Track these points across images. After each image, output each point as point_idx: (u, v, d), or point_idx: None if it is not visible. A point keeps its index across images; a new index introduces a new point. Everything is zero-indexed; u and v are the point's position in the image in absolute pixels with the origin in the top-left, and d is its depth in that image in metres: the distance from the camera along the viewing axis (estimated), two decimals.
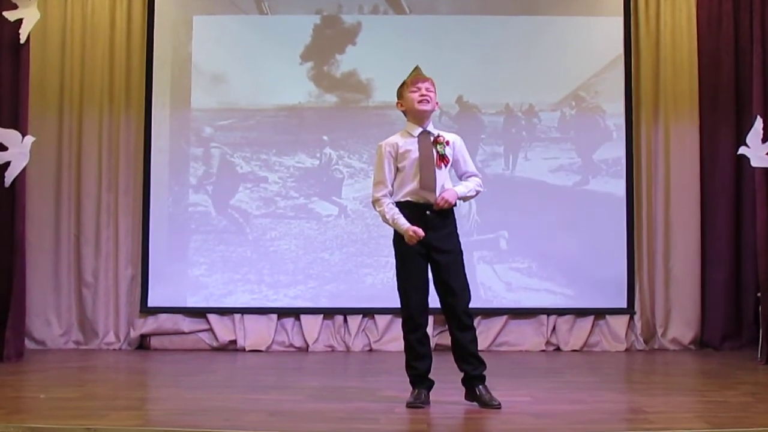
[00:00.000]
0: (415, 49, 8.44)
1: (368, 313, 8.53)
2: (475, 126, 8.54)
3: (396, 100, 5.44)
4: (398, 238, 5.29)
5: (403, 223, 5.20)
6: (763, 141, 7.37)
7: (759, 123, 7.40)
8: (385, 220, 5.31)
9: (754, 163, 7.45)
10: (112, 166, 8.60)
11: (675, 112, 8.66)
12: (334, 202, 8.63)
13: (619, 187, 8.60)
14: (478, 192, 5.37)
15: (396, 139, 5.35)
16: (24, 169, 7.39)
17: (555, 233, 8.54)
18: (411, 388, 5.26)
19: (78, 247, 8.54)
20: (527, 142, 8.68)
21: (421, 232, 5.13)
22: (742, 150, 7.52)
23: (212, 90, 8.71)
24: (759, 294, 7.63)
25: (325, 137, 8.68)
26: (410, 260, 5.25)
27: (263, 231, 8.62)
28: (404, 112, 5.41)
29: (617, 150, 8.65)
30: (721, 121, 8.58)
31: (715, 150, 8.61)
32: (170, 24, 8.71)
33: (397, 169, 5.29)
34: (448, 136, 5.37)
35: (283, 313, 8.55)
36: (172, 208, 8.63)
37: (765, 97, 7.54)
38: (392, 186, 5.31)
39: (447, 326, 5.36)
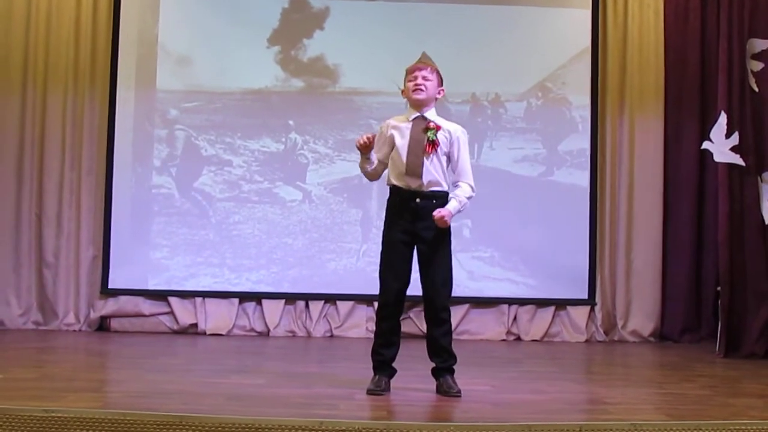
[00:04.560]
0: (382, 36, 8.48)
1: (330, 299, 8.52)
2: (442, 114, 8.37)
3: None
4: (387, 224, 5.29)
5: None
6: (727, 136, 7.41)
7: (723, 118, 7.44)
8: (361, 168, 5.37)
9: (717, 158, 7.49)
10: (75, 145, 8.52)
11: (640, 106, 8.71)
12: (299, 187, 8.60)
13: (583, 179, 8.65)
14: (470, 199, 5.29)
15: (393, 121, 5.37)
16: None
17: (518, 223, 8.57)
18: (372, 375, 5.26)
19: (39, 227, 8.47)
20: (493, 131, 8.70)
21: (368, 135, 5.16)
22: (705, 145, 7.57)
23: (178, 72, 8.65)
24: (718, 288, 7.69)
25: (290, 122, 8.65)
26: (394, 248, 5.22)
27: (226, 214, 8.59)
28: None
29: (582, 142, 8.68)
30: (686, 116, 8.65)
31: (679, 144, 8.67)
32: (137, 4, 8.63)
33: (392, 151, 5.28)
34: (449, 125, 5.36)
35: (244, 297, 8.53)
36: (135, 189, 8.57)
37: (729, 92, 7.57)
38: (379, 157, 5.31)
39: (421, 316, 5.36)
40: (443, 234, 5.22)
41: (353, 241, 8.55)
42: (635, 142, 8.71)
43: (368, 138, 5.14)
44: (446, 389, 5.13)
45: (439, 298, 5.21)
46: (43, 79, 8.53)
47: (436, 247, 5.22)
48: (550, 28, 8.78)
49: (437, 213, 5.09)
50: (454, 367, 5.27)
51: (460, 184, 5.27)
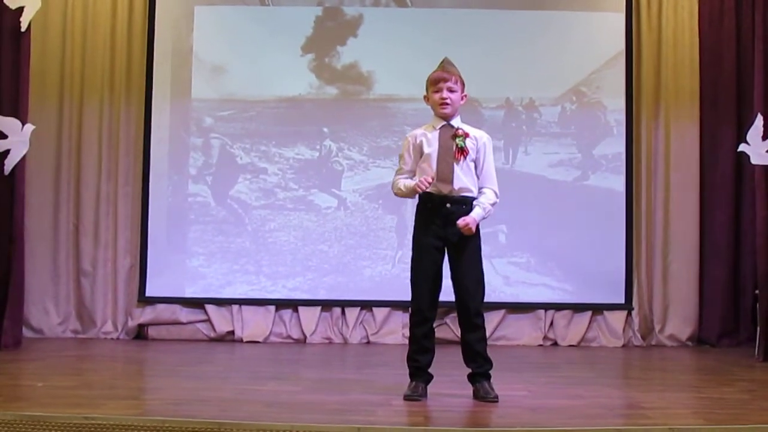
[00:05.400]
0: (416, 42, 8.47)
1: (366, 305, 8.54)
2: (476, 120, 8.49)
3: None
4: (417, 230, 5.31)
5: (411, 182, 5.24)
6: (764, 138, 7.36)
7: (759, 120, 7.39)
8: (402, 194, 5.34)
9: (754, 161, 7.44)
10: (111, 155, 8.59)
11: (675, 109, 8.66)
12: (334, 195, 8.63)
13: (619, 183, 8.60)
14: (494, 205, 5.30)
15: (421, 130, 5.37)
16: (23, 158, 7.39)
17: (554, 228, 8.54)
18: (408, 381, 5.27)
19: (77, 236, 8.54)
20: (527, 136, 8.68)
21: (429, 178, 5.13)
22: (742, 147, 7.52)
23: (213, 80, 8.70)
24: (757, 291, 7.63)
25: (325, 129, 8.67)
26: (425, 253, 5.24)
27: (262, 222, 8.62)
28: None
29: (617, 146, 8.65)
30: (722, 118, 8.58)
31: (715, 147, 8.61)
32: (171, 14, 8.70)
33: (421, 160, 5.29)
34: (474, 131, 5.35)
35: (281, 304, 8.56)
36: (171, 198, 8.63)
37: (766, 94, 7.51)
38: (411, 175, 5.32)
39: (456, 321, 5.35)
40: (473, 238, 5.22)
41: (389, 248, 8.55)
42: (671, 146, 8.66)
43: (429, 182, 5.15)
44: (483, 395, 5.13)
45: (472, 303, 5.20)
46: (80, 90, 8.61)
47: (467, 251, 5.22)
48: (584, 32, 8.74)
49: (461, 221, 5.11)
50: (491, 372, 5.27)
51: (484, 190, 5.28)
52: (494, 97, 8.64)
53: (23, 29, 7.41)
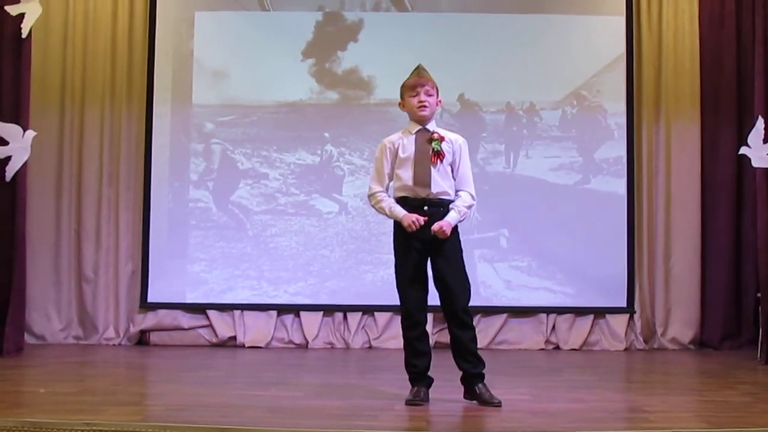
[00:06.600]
0: (416, 47, 8.44)
1: (368, 310, 8.52)
2: (477, 124, 8.54)
3: (399, 98, 5.43)
4: (397, 234, 5.31)
5: (400, 211, 5.22)
6: (765, 141, 7.35)
7: (760, 123, 7.39)
8: (383, 213, 5.33)
9: (755, 164, 7.44)
10: (113, 161, 8.60)
11: (676, 112, 8.65)
12: (335, 199, 8.62)
13: (620, 187, 8.60)
14: (470, 208, 5.32)
15: (396, 136, 5.38)
16: (25, 164, 7.40)
17: (555, 232, 8.53)
18: (410, 386, 5.26)
19: (78, 242, 8.54)
20: (528, 140, 8.68)
21: (421, 219, 5.13)
22: (743, 150, 7.52)
23: (213, 86, 8.70)
24: (759, 294, 7.64)
25: (326, 134, 8.67)
26: (408, 257, 5.25)
27: (263, 227, 8.62)
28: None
29: (618, 149, 8.64)
30: (723, 121, 8.58)
31: (716, 150, 8.60)
32: (172, 20, 8.71)
33: (397, 165, 5.30)
34: (450, 135, 5.37)
35: (282, 309, 8.55)
36: (172, 203, 8.63)
37: (766, 97, 7.52)
38: (389, 180, 5.34)
39: (446, 324, 5.35)
40: (453, 240, 5.23)
41: (390, 252, 8.45)
42: (672, 149, 8.66)
43: (421, 224, 5.16)
44: (486, 399, 5.11)
45: (458, 301, 5.20)
46: (81, 96, 8.62)
47: (448, 252, 5.23)
48: (585, 36, 8.74)
49: (436, 225, 5.13)
50: (484, 372, 5.25)
51: (460, 193, 5.30)
52: (495, 101, 8.64)
53: (24, 36, 7.41)
